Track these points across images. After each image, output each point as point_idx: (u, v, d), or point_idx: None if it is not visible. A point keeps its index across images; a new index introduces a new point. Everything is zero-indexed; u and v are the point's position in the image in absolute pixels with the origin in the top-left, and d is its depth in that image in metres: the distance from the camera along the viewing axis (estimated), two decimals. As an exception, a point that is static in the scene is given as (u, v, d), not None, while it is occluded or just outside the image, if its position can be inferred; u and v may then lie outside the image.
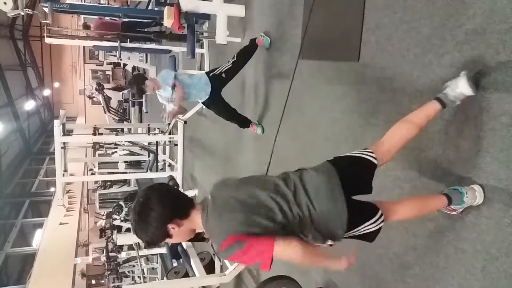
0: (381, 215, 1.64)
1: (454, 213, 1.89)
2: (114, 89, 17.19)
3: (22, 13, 4.30)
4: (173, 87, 3.68)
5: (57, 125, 5.81)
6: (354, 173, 1.68)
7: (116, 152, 10.06)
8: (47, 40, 5.50)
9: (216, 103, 3.94)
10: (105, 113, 13.55)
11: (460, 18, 1.89)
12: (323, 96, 3.10)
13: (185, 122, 5.59)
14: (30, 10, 4.46)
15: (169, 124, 6.87)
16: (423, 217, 2.10)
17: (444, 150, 2.01)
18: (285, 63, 3.64)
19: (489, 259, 1.78)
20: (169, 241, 1.56)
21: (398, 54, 2.30)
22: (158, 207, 1.46)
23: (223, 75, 3.77)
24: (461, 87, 1.70)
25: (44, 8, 4.65)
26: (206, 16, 4.29)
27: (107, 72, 21.78)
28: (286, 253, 1.33)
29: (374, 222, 1.63)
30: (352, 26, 2.65)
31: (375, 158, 1.70)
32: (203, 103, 3.96)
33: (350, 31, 2.69)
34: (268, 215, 1.46)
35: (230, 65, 3.78)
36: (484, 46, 1.78)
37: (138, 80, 3.78)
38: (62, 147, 6.03)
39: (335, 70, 2.94)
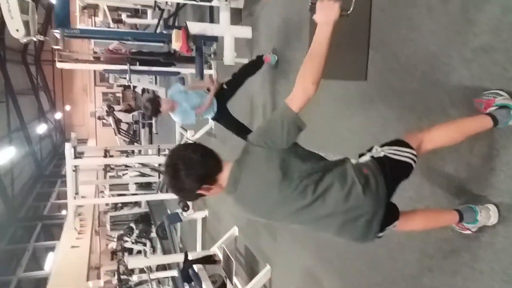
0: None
1: (468, 232, 1.85)
2: (124, 111, 17.36)
3: (34, 39, 4.39)
4: (208, 89, 3.81)
5: (68, 148, 5.86)
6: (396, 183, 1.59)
7: (126, 174, 10.12)
8: (59, 65, 5.61)
9: (224, 117, 3.99)
10: (115, 135, 13.69)
11: (467, 35, 1.89)
12: (331, 115, 3.09)
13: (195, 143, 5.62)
14: (42, 36, 4.56)
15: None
16: (438, 237, 2.06)
17: (456, 168, 1.98)
18: (292, 83, 3.64)
19: (508, 280, 1.73)
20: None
21: (405, 72, 2.29)
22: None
23: (224, 85, 3.85)
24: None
25: (55, 34, 4.75)
26: (214, 38, 4.35)
27: (117, 94, 22.05)
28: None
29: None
30: (359, 45, 2.66)
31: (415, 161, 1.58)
32: (212, 118, 4.02)
33: (356, 50, 2.70)
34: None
35: (230, 77, 3.87)
36: (492, 64, 1.77)
37: (153, 102, 3.80)
38: (73, 170, 6.08)
39: (343, 88, 2.94)
